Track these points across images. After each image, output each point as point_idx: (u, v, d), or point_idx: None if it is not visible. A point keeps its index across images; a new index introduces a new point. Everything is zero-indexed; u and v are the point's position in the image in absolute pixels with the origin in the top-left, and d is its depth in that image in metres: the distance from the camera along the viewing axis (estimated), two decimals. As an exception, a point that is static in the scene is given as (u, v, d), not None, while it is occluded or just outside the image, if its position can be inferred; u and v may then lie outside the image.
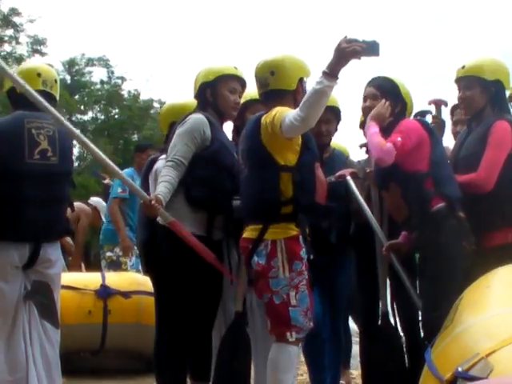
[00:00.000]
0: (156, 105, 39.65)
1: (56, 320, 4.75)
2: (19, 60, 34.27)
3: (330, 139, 5.64)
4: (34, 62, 6.27)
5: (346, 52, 4.04)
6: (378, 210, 5.14)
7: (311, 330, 4.96)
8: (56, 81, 5.03)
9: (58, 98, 5.05)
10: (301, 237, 4.33)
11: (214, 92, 4.82)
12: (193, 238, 4.60)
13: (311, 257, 4.45)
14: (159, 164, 5.22)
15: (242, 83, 4.93)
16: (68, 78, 37.75)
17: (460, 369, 2.38)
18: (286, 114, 4.23)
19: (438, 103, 5.38)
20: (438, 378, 2.57)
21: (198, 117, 4.83)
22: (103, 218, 9.58)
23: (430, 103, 5.38)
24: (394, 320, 5.21)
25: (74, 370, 7.13)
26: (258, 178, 4.39)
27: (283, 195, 4.30)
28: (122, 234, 8.59)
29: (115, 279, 7.44)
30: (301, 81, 4.57)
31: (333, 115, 5.51)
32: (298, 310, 4.27)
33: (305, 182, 4.38)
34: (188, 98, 5.57)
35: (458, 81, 5.03)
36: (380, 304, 5.18)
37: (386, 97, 4.88)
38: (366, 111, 5.01)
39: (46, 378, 4.68)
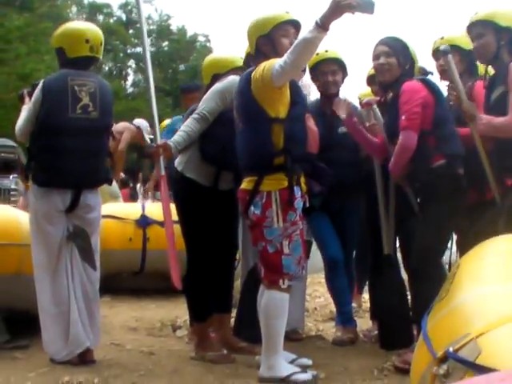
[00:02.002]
0: (201, 38, 39.51)
1: (93, 263, 4.61)
2: (79, 2, 34.17)
3: (338, 90, 5.30)
4: (81, 25, 5.90)
5: (342, 5, 3.64)
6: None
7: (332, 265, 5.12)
8: (101, 43, 4.77)
9: (101, 57, 4.84)
10: (296, 187, 4.01)
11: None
12: (168, 202, 4.73)
13: (307, 205, 4.19)
14: None
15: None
16: (124, 16, 37.68)
17: (451, 349, 2.16)
18: (275, 63, 3.90)
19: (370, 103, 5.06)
20: (431, 352, 2.35)
21: (235, 78, 4.55)
22: (146, 137, 9.34)
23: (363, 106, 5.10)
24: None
25: (117, 288, 7.15)
26: (251, 132, 4.06)
27: (275, 147, 3.98)
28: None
29: (154, 210, 7.29)
30: (262, 38, 4.20)
31: (338, 67, 5.24)
32: (291, 258, 3.99)
33: (295, 133, 4.04)
34: (231, 52, 5.34)
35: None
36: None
37: (398, 54, 4.61)
38: (379, 68, 4.70)
39: (86, 311, 4.58)
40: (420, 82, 4.46)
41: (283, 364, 4.08)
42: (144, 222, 7.16)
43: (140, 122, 9.38)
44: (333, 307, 6.15)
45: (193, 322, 5.01)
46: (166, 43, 38.87)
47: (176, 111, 31.46)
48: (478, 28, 4.33)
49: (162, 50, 38.39)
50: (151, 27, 39.18)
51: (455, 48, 4.65)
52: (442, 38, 4.75)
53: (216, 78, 4.93)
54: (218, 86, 4.72)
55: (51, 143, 4.51)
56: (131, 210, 7.39)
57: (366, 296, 6.76)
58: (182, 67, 37.34)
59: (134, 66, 37.56)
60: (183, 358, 4.78)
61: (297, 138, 4.05)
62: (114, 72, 36.82)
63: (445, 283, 2.92)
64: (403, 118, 4.38)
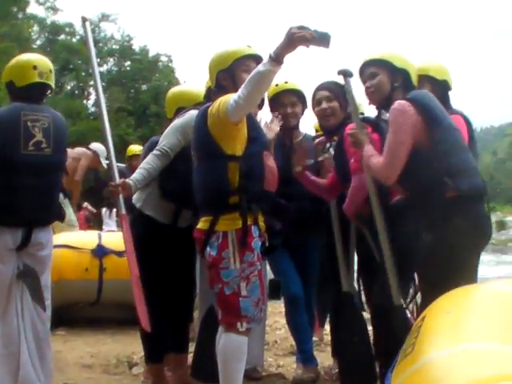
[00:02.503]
0: (163, 58, 39.32)
1: (43, 303, 4.39)
2: (40, 21, 33.76)
3: (298, 122, 5.17)
4: (29, 55, 5.88)
5: (295, 37, 3.49)
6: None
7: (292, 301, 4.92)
8: (51, 71, 4.61)
9: (53, 85, 4.65)
10: (253, 227, 3.82)
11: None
12: (130, 241, 4.37)
13: (266, 244, 4.01)
14: None
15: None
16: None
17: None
18: (230, 97, 3.73)
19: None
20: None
21: (195, 113, 4.29)
22: (103, 162, 9.15)
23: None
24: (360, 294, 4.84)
25: (73, 320, 6.95)
26: (206, 169, 3.88)
27: (231, 185, 3.78)
28: None
29: (111, 239, 7.09)
30: (222, 72, 4.02)
31: (298, 99, 5.08)
32: (249, 300, 3.78)
33: (252, 171, 3.83)
34: (195, 84, 5.17)
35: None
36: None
37: (339, 98, 4.56)
38: (322, 113, 4.65)
39: (36, 351, 4.35)
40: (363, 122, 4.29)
41: None
42: (100, 251, 6.93)
43: (97, 146, 9.16)
44: (292, 340, 6.01)
45: (148, 361, 4.81)
46: (128, 63, 38.61)
47: (138, 131, 31.32)
48: (372, 68, 4.10)
49: (124, 70, 38.13)
50: (114, 47, 38.91)
51: (427, 78, 4.48)
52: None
53: (180, 111, 4.77)
54: (178, 121, 4.55)
55: (2, 180, 4.28)
56: (87, 240, 7.14)
57: (327, 328, 6.61)
58: (144, 87, 37.07)
59: (96, 85, 37.25)
60: (138, 400, 4.59)
61: (253, 176, 3.85)
62: (76, 91, 36.39)
63: (409, 336, 2.76)
64: (352, 160, 4.25)
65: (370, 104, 4.30)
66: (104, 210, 12.34)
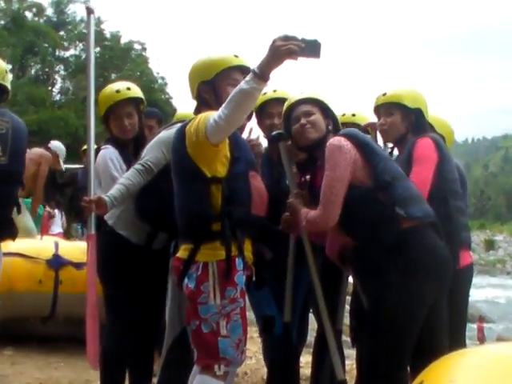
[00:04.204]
0: (137, 46, 38.71)
1: None
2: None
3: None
4: None
5: (281, 51, 3.15)
6: None
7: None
8: (6, 71, 4.29)
9: (9, 87, 4.31)
10: (238, 258, 3.47)
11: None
12: (93, 267, 4.03)
13: (253, 278, 3.69)
14: (102, 154, 4.44)
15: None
16: (54, 16, 36.69)
17: None
18: (210, 116, 3.39)
19: (373, 126, 4.60)
20: None
21: None
22: (61, 162, 8.69)
23: (366, 126, 4.64)
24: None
25: (23, 336, 6.48)
26: (186, 193, 3.54)
27: (213, 210, 3.45)
28: None
29: (68, 249, 6.64)
30: (204, 84, 3.71)
31: None
32: (229, 340, 3.42)
33: (236, 194, 3.51)
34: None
35: (378, 108, 4.34)
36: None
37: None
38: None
39: None
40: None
41: None
42: (56, 262, 6.43)
43: (57, 145, 8.69)
44: (265, 372, 5.60)
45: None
46: (98, 49, 38.05)
47: (105, 122, 30.78)
48: (307, 106, 3.88)
49: (94, 57, 37.58)
50: (83, 30, 38.31)
51: (399, 106, 4.24)
52: (385, 95, 4.32)
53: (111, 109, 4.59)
54: (163, 134, 4.14)
55: None
56: (43, 248, 6.67)
57: (302, 359, 6.20)
58: (113, 76, 36.50)
59: (62, 72, 36.43)
60: None
61: (238, 200, 3.51)
62: (41, 77, 35.64)
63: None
64: None
65: (301, 145, 3.97)
66: (56, 211, 11.94)
